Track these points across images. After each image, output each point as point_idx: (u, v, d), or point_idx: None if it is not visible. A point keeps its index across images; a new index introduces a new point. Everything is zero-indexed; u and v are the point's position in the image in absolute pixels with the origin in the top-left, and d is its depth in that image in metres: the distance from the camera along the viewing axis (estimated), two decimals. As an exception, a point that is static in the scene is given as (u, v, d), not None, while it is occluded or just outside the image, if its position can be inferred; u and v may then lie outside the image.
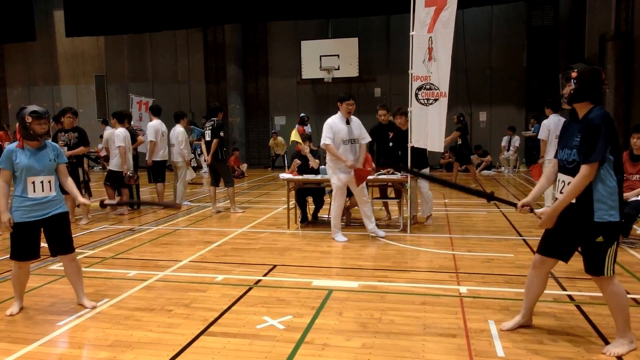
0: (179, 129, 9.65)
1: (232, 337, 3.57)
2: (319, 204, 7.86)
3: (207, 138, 8.85)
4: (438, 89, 6.59)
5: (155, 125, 9.38)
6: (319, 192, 7.72)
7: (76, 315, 4.04)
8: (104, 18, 16.37)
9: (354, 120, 6.51)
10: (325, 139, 6.32)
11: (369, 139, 6.64)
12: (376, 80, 17.25)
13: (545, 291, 4.27)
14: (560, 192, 3.21)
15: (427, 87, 6.63)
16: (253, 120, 18.71)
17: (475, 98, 16.60)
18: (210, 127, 8.84)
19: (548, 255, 3.42)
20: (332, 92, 17.47)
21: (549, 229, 3.33)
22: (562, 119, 9.39)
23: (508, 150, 15.68)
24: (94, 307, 4.19)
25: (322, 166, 7.58)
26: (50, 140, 4.15)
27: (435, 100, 6.61)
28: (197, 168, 16.74)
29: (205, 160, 9.11)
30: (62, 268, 5.37)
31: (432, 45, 6.51)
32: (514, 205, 3.48)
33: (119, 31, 17.48)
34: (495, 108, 16.80)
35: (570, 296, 4.32)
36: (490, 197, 3.62)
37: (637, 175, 6.14)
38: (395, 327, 3.71)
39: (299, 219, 7.72)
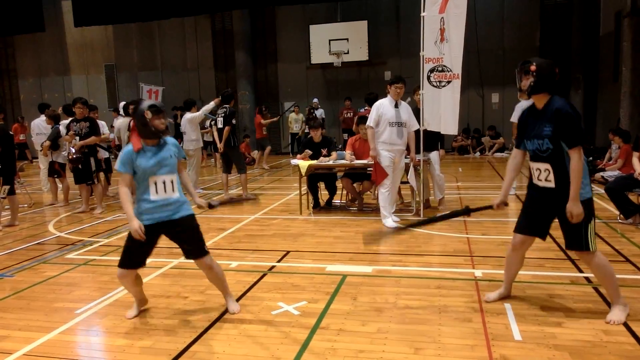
0: (189, 117, 9.64)
1: (248, 323, 3.58)
2: (332, 190, 7.83)
3: (220, 125, 8.83)
4: (451, 70, 6.48)
5: (124, 123, 9.08)
6: (331, 177, 7.69)
7: (94, 303, 4.09)
8: (112, 7, 16.34)
9: (404, 104, 6.45)
10: (369, 121, 6.38)
11: (417, 126, 6.54)
12: (386, 64, 17.03)
13: (562, 273, 4.40)
14: (539, 179, 3.46)
15: (440, 69, 6.52)
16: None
17: (487, 79, 16.34)
18: (223, 115, 8.81)
19: (529, 234, 3.65)
20: (342, 76, 17.33)
21: (528, 210, 3.64)
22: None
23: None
24: (238, 311, 3.80)
25: (341, 152, 7.55)
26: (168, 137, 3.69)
27: (448, 82, 6.51)
28: (208, 155, 16.80)
29: (218, 148, 9.11)
30: (79, 257, 5.50)
31: (444, 26, 6.39)
32: (490, 207, 3.78)
33: (127, 20, 17.41)
34: (508, 89, 16.50)
35: (587, 278, 4.28)
36: (468, 212, 3.93)
37: None
38: (411, 311, 3.70)
39: (312, 205, 7.70)
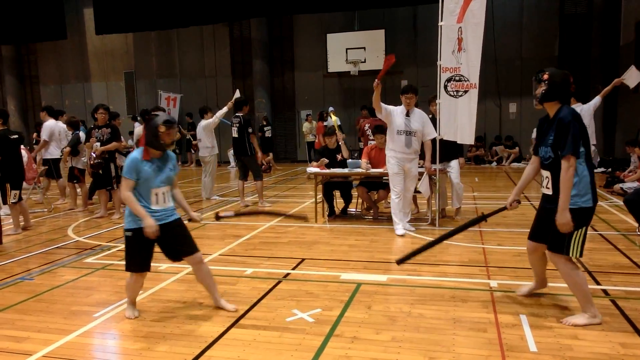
0: (204, 124, 9.74)
1: (262, 329, 3.61)
2: (347, 199, 7.84)
3: (235, 135, 8.83)
4: (468, 80, 6.48)
5: (50, 125, 9.34)
6: (346, 186, 7.70)
7: (112, 307, 4.16)
8: (132, 15, 16.67)
9: (417, 113, 6.47)
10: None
11: (433, 135, 6.55)
12: (403, 73, 17.03)
13: None
14: (547, 187, 3.56)
15: (457, 78, 6.52)
16: (280, 115, 18.78)
17: (505, 89, 16.25)
18: (238, 124, 8.80)
19: (536, 241, 3.79)
20: (359, 85, 17.36)
21: (536, 218, 3.82)
22: (584, 109, 9.16)
23: (537, 143, 15.33)
24: (235, 310, 3.96)
25: (349, 160, 7.56)
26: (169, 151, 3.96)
27: (465, 92, 6.50)
28: (224, 162, 16.95)
29: (232, 155, 9.18)
30: (97, 262, 5.59)
31: (461, 35, 6.39)
32: (504, 208, 4.05)
33: (147, 28, 17.77)
34: (526, 99, 16.39)
35: (605, 291, 4.23)
36: (484, 218, 4.16)
37: None
38: (425, 321, 3.69)
39: (327, 213, 7.72)
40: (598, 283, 4.42)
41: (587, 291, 3.54)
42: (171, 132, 3.74)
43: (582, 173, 3.39)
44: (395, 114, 6.41)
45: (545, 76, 3.46)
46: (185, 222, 4.03)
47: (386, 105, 6.43)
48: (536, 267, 3.98)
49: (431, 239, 6.14)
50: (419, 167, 6.70)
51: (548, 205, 3.56)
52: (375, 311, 3.89)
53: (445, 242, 5.96)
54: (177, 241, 3.88)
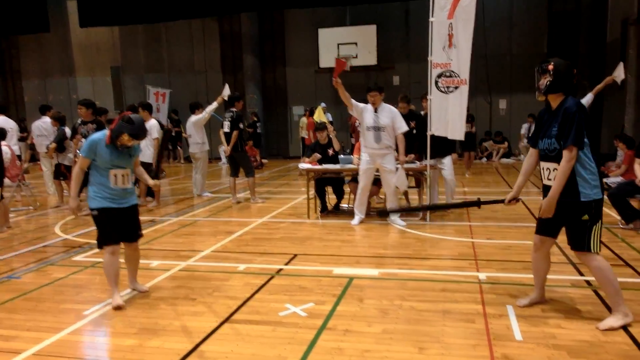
0: (193, 119, 9.70)
1: (256, 324, 3.64)
2: (339, 194, 7.88)
3: (226, 129, 8.82)
4: (458, 76, 6.53)
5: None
6: (339, 182, 7.74)
7: (102, 305, 4.13)
8: (118, 8, 16.28)
9: (385, 108, 6.63)
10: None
11: (404, 128, 6.69)
12: (395, 68, 17.08)
13: (563, 276, 4.45)
14: (548, 179, 3.48)
15: (447, 74, 6.57)
16: (271, 111, 18.71)
17: (495, 85, 16.36)
18: (230, 119, 8.80)
19: (543, 235, 3.70)
20: (351, 80, 17.25)
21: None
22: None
23: (527, 137, 15.46)
24: (147, 291, 4.37)
25: (341, 155, 7.59)
26: None
27: (456, 87, 6.55)
28: (215, 159, 16.91)
29: (224, 152, 9.16)
30: (86, 259, 5.57)
31: (452, 31, 6.44)
32: (502, 201, 3.91)
33: (134, 21, 17.32)
34: (516, 95, 16.53)
35: (587, 281, 4.35)
36: (477, 203, 4.03)
37: None
38: (416, 313, 3.75)
39: (319, 209, 7.76)
40: (581, 274, 4.53)
41: (618, 287, 3.42)
42: (132, 142, 4.00)
43: (591, 165, 3.34)
44: (365, 111, 6.64)
45: (550, 67, 3.39)
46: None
47: (357, 103, 6.68)
48: (539, 271, 3.82)
49: (422, 233, 6.26)
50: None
51: (558, 199, 3.44)
52: (367, 304, 3.94)
53: (435, 236, 6.10)
54: (128, 226, 4.20)
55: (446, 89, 6.60)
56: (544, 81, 3.42)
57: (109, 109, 19.15)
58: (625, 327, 3.37)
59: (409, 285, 4.38)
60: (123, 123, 3.96)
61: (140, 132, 4.00)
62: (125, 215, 4.13)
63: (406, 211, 4.04)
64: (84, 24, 17.26)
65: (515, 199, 3.86)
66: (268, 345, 3.28)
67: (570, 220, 3.41)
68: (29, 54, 20.41)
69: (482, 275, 4.58)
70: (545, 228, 3.66)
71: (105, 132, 4.03)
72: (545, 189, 3.55)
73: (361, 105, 6.69)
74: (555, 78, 3.38)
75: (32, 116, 16.37)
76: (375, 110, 6.59)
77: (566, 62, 3.43)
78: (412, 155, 7.14)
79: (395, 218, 6.78)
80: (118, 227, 4.11)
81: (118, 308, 4.00)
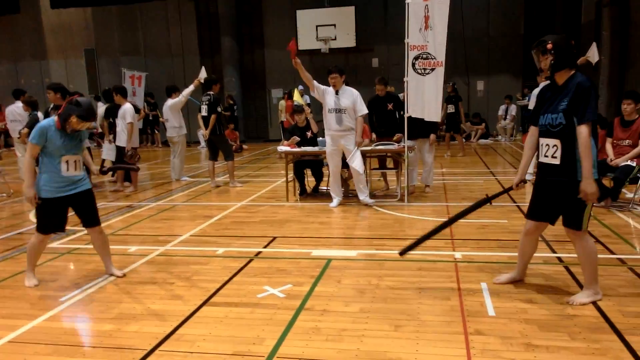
0: (170, 103, 9.58)
1: (234, 306, 3.66)
2: (318, 177, 7.91)
3: (204, 113, 8.74)
4: (435, 58, 6.55)
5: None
6: (317, 164, 7.75)
7: (79, 291, 4.11)
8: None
9: (347, 91, 6.67)
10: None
11: (364, 111, 6.77)
12: (374, 50, 17.04)
13: (536, 254, 4.36)
14: (545, 156, 3.41)
15: (424, 56, 6.59)
16: (250, 94, 18.54)
17: (473, 67, 16.47)
18: (207, 102, 8.73)
19: (539, 220, 3.63)
20: (330, 63, 17.05)
21: (537, 195, 3.60)
22: None
23: (505, 119, 15.65)
24: (124, 275, 4.39)
25: (320, 138, 7.61)
26: None
27: (432, 69, 6.59)
28: (194, 143, 16.76)
29: (203, 135, 9.10)
30: (62, 246, 5.51)
31: (428, 13, 6.44)
32: (510, 189, 3.83)
33: (107, 2, 17.08)
34: (493, 77, 16.69)
35: (559, 258, 4.48)
36: (488, 200, 3.86)
37: (628, 141, 6.29)
38: (392, 292, 3.82)
39: (298, 192, 7.78)
40: (554, 251, 4.66)
41: (597, 268, 3.48)
42: (82, 124, 3.99)
43: (593, 144, 3.26)
44: (326, 93, 6.71)
45: (550, 45, 3.30)
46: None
47: (318, 85, 6.73)
48: (525, 254, 3.81)
49: (400, 214, 6.33)
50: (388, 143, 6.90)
51: (553, 177, 3.40)
52: (344, 285, 4.00)
53: (413, 217, 6.19)
54: (84, 212, 4.25)
55: (423, 71, 6.63)
56: (547, 61, 3.34)
57: (84, 92, 18.78)
58: (594, 302, 3.48)
59: (386, 265, 4.45)
60: (71, 106, 3.97)
61: (88, 114, 3.98)
62: (78, 200, 4.17)
63: (426, 239, 3.94)
64: (55, 5, 16.87)
65: (523, 181, 3.74)
66: (246, 327, 3.31)
67: (567, 200, 3.37)
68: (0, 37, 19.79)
69: (458, 254, 4.68)
70: (542, 213, 3.59)
71: (54, 118, 4.03)
72: (541, 166, 3.49)
73: (322, 87, 6.74)
74: (557, 56, 3.30)
75: (4, 101, 15.91)
76: (337, 93, 6.65)
77: (562, 36, 3.37)
78: (400, 135, 7.19)
79: (364, 197, 6.89)
80: (62, 217, 4.18)
81: (35, 285, 4.22)
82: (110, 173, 9.44)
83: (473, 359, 2.82)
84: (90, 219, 4.28)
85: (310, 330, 3.22)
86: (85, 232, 5.97)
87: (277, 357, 2.91)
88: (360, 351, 2.95)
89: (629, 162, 6.17)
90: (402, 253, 4.06)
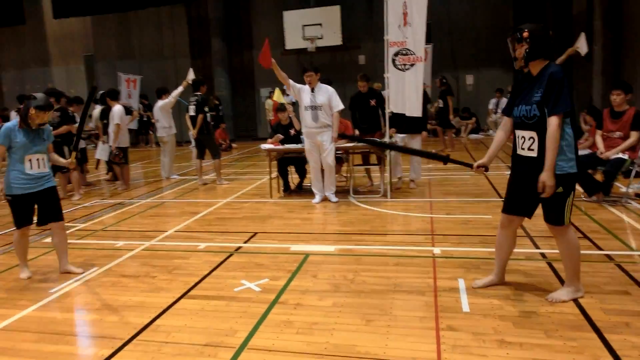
0: (160, 104, 9.67)
1: (211, 299, 3.75)
2: (301, 174, 7.99)
3: (192, 113, 8.88)
4: (414, 54, 6.64)
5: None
6: (301, 161, 7.83)
7: (67, 283, 4.26)
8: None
9: (322, 88, 6.80)
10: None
11: (341, 107, 6.84)
12: (360, 48, 17.10)
13: (518, 250, 4.30)
14: (522, 148, 3.33)
15: (404, 52, 6.68)
16: (240, 93, 18.66)
17: (462, 61, 16.48)
18: (195, 103, 8.85)
19: (514, 214, 3.53)
20: (317, 61, 17.28)
21: (512, 188, 3.50)
22: None
23: (496, 112, 15.64)
24: (82, 272, 4.50)
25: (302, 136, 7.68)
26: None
27: (412, 65, 6.67)
28: (186, 142, 16.78)
29: (191, 135, 9.25)
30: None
31: (406, 9, 6.53)
32: (470, 166, 3.65)
33: (105, 11, 17.79)
34: (482, 70, 16.72)
35: (542, 254, 4.41)
36: (445, 160, 3.78)
37: (618, 133, 6.12)
38: (367, 286, 3.86)
39: (282, 189, 7.86)
40: (537, 247, 4.62)
41: (579, 264, 3.40)
42: (41, 115, 4.22)
43: (570, 135, 3.20)
44: (302, 91, 6.88)
45: (526, 34, 3.21)
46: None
47: (294, 83, 6.90)
48: (502, 249, 3.66)
49: (382, 210, 6.41)
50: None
51: (531, 170, 3.27)
52: (320, 279, 4.06)
53: (396, 212, 6.25)
54: (47, 208, 4.43)
55: (403, 67, 6.71)
56: (522, 50, 3.25)
57: (83, 97, 18.83)
58: (575, 299, 3.40)
59: (363, 261, 4.50)
60: (28, 101, 4.26)
61: (45, 104, 4.23)
62: (43, 197, 4.39)
63: (365, 142, 4.02)
64: (57, 15, 17.71)
65: (484, 167, 3.60)
66: (221, 319, 3.39)
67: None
68: (6, 46, 20.67)
69: (437, 250, 4.67)
70: (518, 206, 3.49)
71: (17, 119, 4.29)
72: (518, 159, 3.41)
73: (298, 85, 6.89)
74: (532, 45, 3.21)
75: (11, 107, 16.41)
76: (312, 90, 6.78)
77: (539, 25, 3.27)
78: (393, 130, 7.21)
79: (330, 194, 7.01)
80: (31, 211, 4.41)
81: (28, 277, 4.44)
82: (106, 172, 9.61)
83: (443, 354, 2.79)
84: (55, 214, 4.47)
85: (282, 323, 3.29)
86: (77, 228, 6.15)
87: (248, 349, 2.99)
88: (329, 344, 2.98)
89: (620, 155, 6.02)
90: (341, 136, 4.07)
